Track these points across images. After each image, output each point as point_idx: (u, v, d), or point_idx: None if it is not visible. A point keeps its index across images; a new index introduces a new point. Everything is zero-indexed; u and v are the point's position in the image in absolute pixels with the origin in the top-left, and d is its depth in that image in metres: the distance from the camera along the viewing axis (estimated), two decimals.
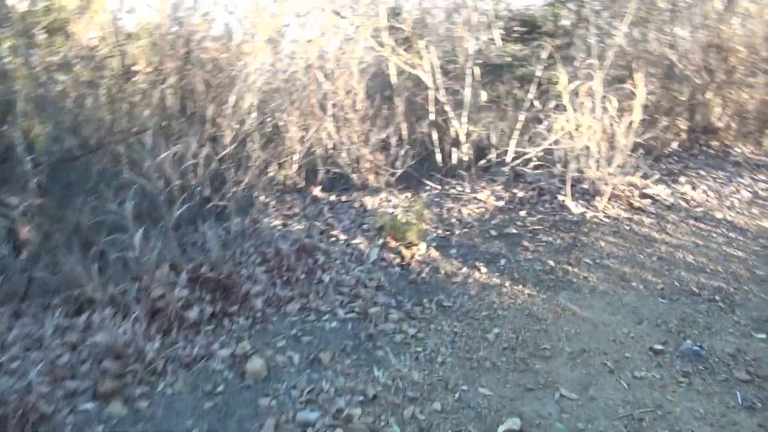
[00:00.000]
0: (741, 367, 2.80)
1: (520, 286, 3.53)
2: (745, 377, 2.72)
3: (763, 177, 5.53)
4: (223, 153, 4.42)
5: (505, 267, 3.78)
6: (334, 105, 5.29)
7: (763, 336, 3.08)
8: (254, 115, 5.02)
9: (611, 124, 4.82)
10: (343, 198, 4.75)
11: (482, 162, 5.47)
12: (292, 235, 3.76)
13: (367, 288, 3.31)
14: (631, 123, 4.78)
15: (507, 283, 3.57)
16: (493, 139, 5.64)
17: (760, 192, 5.17)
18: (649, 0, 6.57)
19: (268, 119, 5.33)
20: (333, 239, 3.86)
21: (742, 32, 6.80)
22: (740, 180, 5.41)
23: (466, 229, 4.25)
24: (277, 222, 4.10)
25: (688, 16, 7.23)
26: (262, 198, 4.44)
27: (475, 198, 4.79)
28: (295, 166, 5.01)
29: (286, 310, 3.05)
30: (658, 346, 2.95)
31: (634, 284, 3.59)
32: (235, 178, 4.35)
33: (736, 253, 4.04)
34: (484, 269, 3.71)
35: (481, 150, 5.66)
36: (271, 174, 4.84)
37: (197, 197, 3.98)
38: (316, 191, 4.85)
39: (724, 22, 6.63)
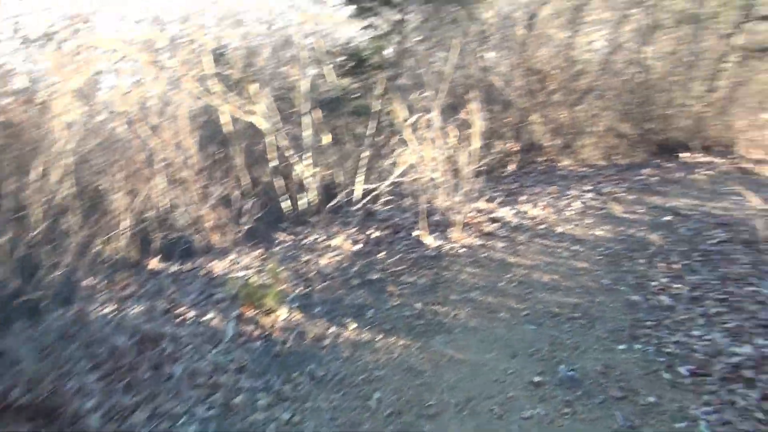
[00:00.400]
0: (613, 383, 2.86)
1: (393, 338, 3.36)
2: (619, 394, 2.78)
3: (587, 187, 6.00)
4: (33, 234, 3.74)
5: (374, 318, 3.59)
6: (163, 162, 4.78)
7: (623, 347, 3.20)
8: (69, 183, 4.35)
9: (453, 153, 4.91)
10: (187, 266, 4.26)
11: (332, 204, 5.30)
12: (129, 323, 3.23)
13: (227, 373, 2.91)
14: (471, 151, 4.91)
15: (379, 337, 3.38)
16: (340, 179, 5.50)
17: (589, 202, 5.59)
18: (462, 29, 6.96)
19: (87, 186, 4.67)
20: (180, 319, 3.39)
21: (548, 55, 7.47)
22: (570, 192, 5.82)
23: (327, 282, 4.01)
24: (110, 308, 3.52)
25: (500, 41, 7.79)
26: (87, 281, 3.81)
27: (331, 245, 4.58)
28: (125, 237, 4.41)
29: (132, 422, 2.55)
30: (537, 378, 2.93)
31: (501, 315, 3.59)
32: (52, 262, 3.69)
33: (582, 266, 4.25)
34: (353, 325, 3.49)
35: (329, 191, 5.49)
36: (96, 250, 4.21)
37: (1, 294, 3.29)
38: (154, 263, 4.31)
39: (529, 46, 7.24)
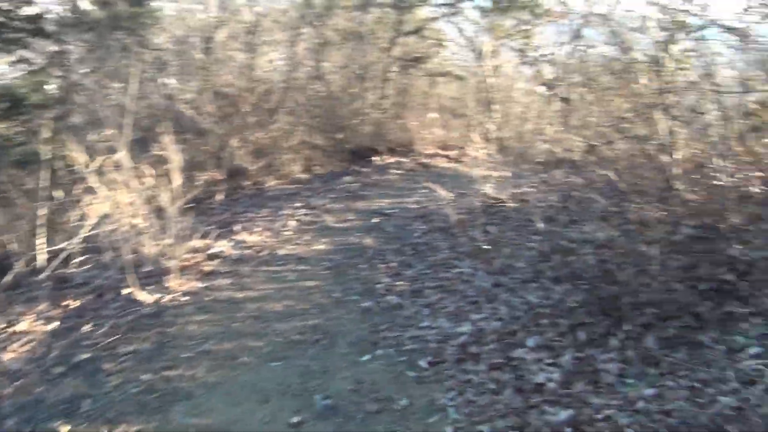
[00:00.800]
0: (367, 398, 2.86)
1: (123, 426, 2.80)
2: (375, 407, 2.79)
3: (298, 203, 6.09)
4: None
5: (92, 410, 2.94)
6: None
7: (368, 357, 3.25)
8: None
9: (153, 193, 4.43)
10: None
11: (8, 280, 4.28)
12: None
13: None
14: (172, 188, 4.49)
15: (104, 431, 2.78)
16: (14, 247, 4.49)
17: (303, 218, 5.66)
18: (136, 56, 6.41)
19: None
20: None
21: (233, 77, 7.38)
22: (283, 212, 5.82)
23: (18, 382, 3.17)
24: None
25: (180, 67, 7.42)
26: None
27: (16, 331, 3.67)
28: None
29: None
30: (296, 419, 2.75)
31: (242, 359, 3.32)
32: None
33: (311, 284, 4.24)
34: (65, 427, 2.80)
35: (2, 265, 4.43)
36: None
37: None
38: None
39: (211, 70, 7.04)
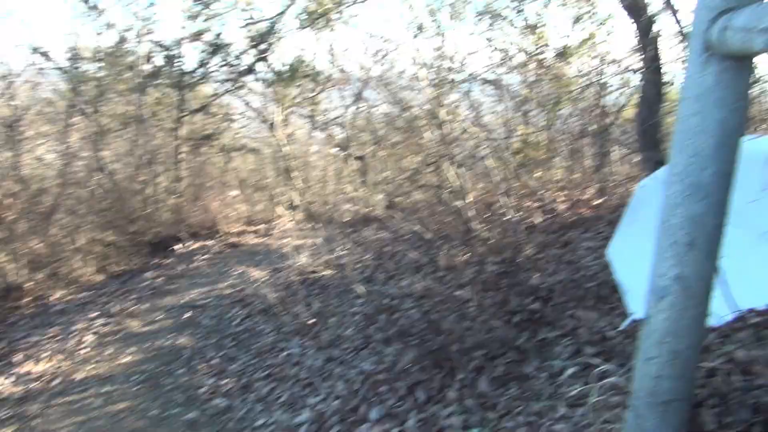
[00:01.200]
0: None
1: None
2: None
3: (94, 313, 5.34)
4: None
5: None
6: None
7: None
8: None
9: None
10: None
11: None
12: None
13: None
14: None
15: None
16: None
17: (101, 329, 4.96)
18: None
19: None
20: None
21: None
22: (76, 327, 5.04)
23: None
24: None
25: None
26: None
27: None
28: None
29: None
30: None
31: None
32: None
33: (121, 407, 3.66)
34: None
35: None
36: None
37: None
38: None
39: None
